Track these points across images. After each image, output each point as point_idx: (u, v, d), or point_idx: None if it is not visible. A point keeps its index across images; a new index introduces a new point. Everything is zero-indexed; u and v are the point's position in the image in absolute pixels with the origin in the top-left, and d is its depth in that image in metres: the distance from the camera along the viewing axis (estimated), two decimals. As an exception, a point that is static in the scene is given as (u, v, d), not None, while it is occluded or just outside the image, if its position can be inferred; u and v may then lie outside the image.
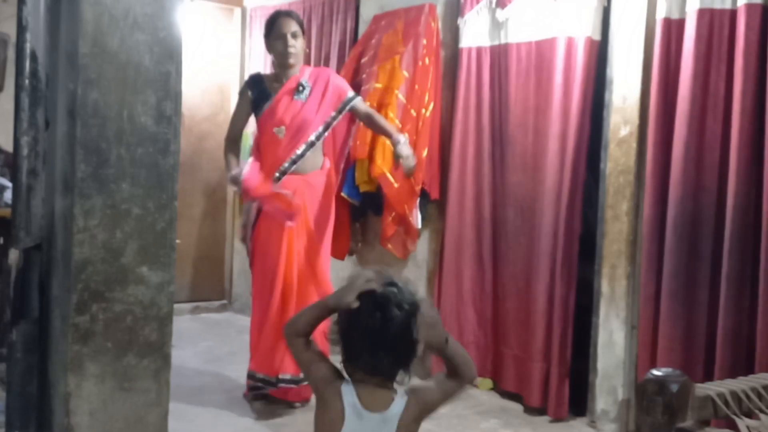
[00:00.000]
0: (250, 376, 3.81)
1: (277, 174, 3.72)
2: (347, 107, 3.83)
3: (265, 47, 3.94)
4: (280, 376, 3.70)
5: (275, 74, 3.88)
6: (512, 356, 4.10)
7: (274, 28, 3.80)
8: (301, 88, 3.76)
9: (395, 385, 1.70)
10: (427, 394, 1.71)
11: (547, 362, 3.85)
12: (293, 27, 3.78)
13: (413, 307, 1.66)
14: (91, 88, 1.98)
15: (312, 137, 3.74)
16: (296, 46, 3.78)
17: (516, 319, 4.07)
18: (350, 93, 3.86)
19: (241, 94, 3.94)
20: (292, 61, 3.78)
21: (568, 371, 3.81)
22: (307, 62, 5.28)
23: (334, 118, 3.81)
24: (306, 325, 1.73)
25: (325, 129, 3.80)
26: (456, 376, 1.71)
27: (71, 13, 2.03)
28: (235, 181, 3.73)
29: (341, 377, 1.69)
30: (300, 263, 3.74)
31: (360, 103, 3.90)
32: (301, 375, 3.59)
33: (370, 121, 3.93)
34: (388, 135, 3.85)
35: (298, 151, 3.73)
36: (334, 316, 1.71)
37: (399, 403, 1.67)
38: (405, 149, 3.71)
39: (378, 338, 1.63)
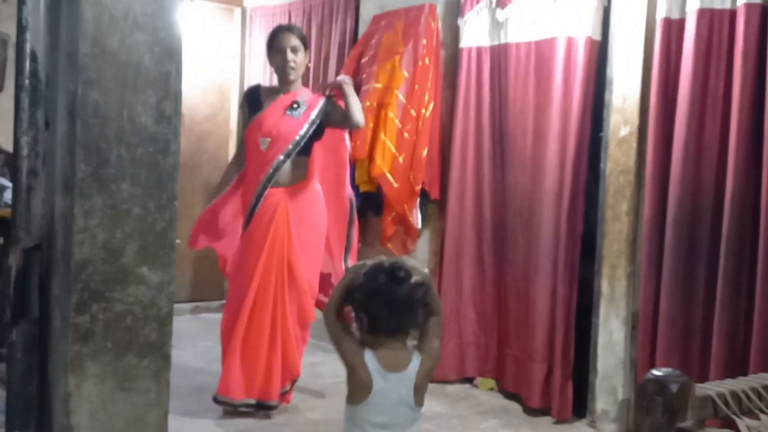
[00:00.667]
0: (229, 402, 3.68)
1: (259, 187, 3.63)
2: (319, 111, 3.70)
3: (268, 61, 3.89)
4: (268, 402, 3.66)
5: (274, 87, 3.85)
6: (513, 356, 4.10)
7: (274, 43, 3.75)
8: (296, 106, 3.68)
9: (408, 344, 2.00)
10: (433, 349, 2.03)
11: (549, 363, 3.85)
12: (293, 41, 3.71)
13: (424, 275, 2.01)
14: (91, 88, 1.98)
15: (289, 146, 3.63)
16: (296, 60, 3.71)
17: (517, 319, 4.07)
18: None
19: (240, 107, 3.94)
20: (292, 76, 3.72)
21: (571, 372, 3.81)
22: (308, 71, 5.30)
23: (312, 123, 3.67)
24: (336, 306, 2.02)
25: (301, 138, 3.64)
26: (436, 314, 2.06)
27: (71, 13, 2.03)
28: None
29: (364, 348, 1.98)
30: (278, 277, 3.64)
31: (329, 105, 3.74)
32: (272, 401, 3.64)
33: (344, 113, 3.71)
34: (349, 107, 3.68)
35: (275, 162, 3.62)
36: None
37: (414, 362, 1.98)
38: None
39: (395, 300, 1.95)
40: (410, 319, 1.99)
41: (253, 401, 3.66)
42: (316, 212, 3.77)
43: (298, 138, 3.65)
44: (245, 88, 5.33)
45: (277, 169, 3.64)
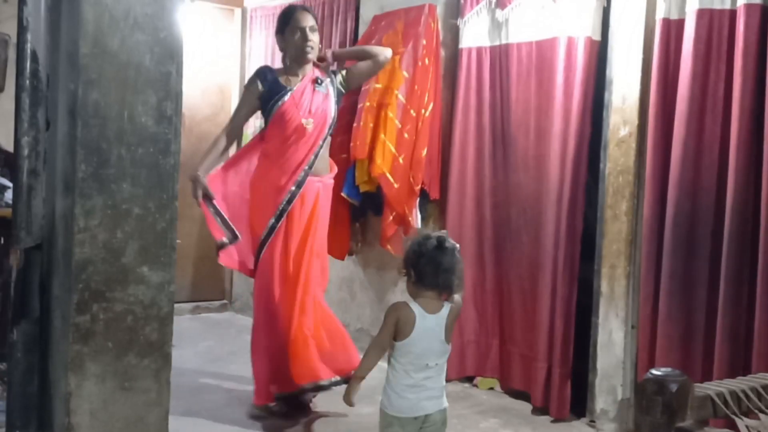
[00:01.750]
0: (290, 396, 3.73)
1: (302, 173, 3.62)
2: (337, 78, 3.78)
3: (278, 43, 3.82)
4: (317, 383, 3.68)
5: (289, 68, 3.76)
6: (513, 356, 4.11)
7: (291, 22, 3.69)
8: (320, 81, 3.70)
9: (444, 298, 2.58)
10: (458, 303, 2.63)
11: (549, 362, 3.86)
12: (311, 21, 3.70)
13: (457, 248, 2.58)
14: (92, 88, 1.99)
15: (326, 129, 3.69)
16: (314, 40, 3.69)
17: (517, 318, 4.07)
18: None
19: (249, 86, 3.76)
20: (310, 55, 3.69)
21: (569, 371, 3.81)
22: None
23: (338, 97, 3.76)
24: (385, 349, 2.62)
25: (334, 116, 3.73)
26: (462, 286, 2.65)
27: (72, 14, 2.03)
28: (196, 180, 3.60)
29: (409, 305, 2.53)
30: (307, 270, 3.68)
31: (341, 74, 3.83)
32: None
33: (363, 63, 3.83)
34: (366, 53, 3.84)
35: (318, 148, 3.67)
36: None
37: (446, 308, 2.58)
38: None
39: (440, 262, 2.52)
40: (448, 280, 2.53)
41: (339, 378, 3.69)
42: (328, 206, 3.84)
43: (332, 115, 3.71)
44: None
45: (317, 155, 3.67)
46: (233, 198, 3.78)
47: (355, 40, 4.88)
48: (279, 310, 3.67)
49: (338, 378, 3.67)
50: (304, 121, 3.63)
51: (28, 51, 2.09)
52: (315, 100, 3.68)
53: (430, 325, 2.53)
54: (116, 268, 2.04)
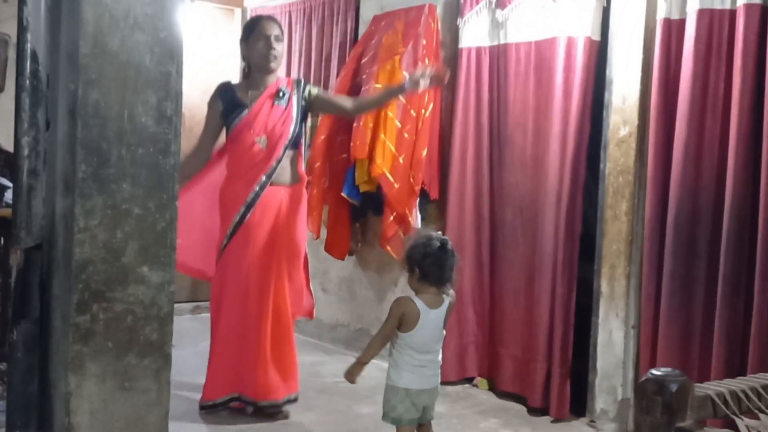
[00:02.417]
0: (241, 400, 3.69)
1: (256, 188, 3.58)
2: (304, 91, 3.72)
3: (241, 52, 3.78)
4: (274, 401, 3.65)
5: (250, 81, 3.72)
6: (512, 356, 4.11)
7: (255, 30, 3.66)
8: (281, 94, 3.65)
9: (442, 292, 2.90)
10: (453, 296, 2.96)
11: (548, 362, 3.86)
12: (276, 30, 3.67)
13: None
14: (92, 88, 1.99)
15: (286, 141, 3.62)
16: (278, 50, 3.66)
17: (516, 319, 4.07)
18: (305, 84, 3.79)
19: (210, 105, 3.74)
20: (273, 65, 3.66)
21: (569, 371, 3.82)
22: (307, 64, 5.30)
23: (302, 110, 3.69)
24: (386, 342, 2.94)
25: (295, 128, 3.65)
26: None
27: (72, 14, 2.03)
28: None
29: (413, 301, 2.85)
30: (277, 277, 3.63)
31: (315, 88, 3.79)
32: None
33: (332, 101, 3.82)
34: (385, 97, 3.79)
35: (276, 162, 3.60)
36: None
37: (445, 303, 2.91)
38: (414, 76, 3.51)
39: (443, 262, 2.84)
40: (448, 276, 2.88)
41: (294, 396, 3.68)
42: (304, 216, 3.78)
43: (292, 130, 3.63)
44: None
45: (278, 163, 3.60)
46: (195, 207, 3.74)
47: (355, 40, 4.89)
48: (223, 317, 3.64)
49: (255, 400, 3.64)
50: (257, 138, 3.60)
51: (28, 51, 2.09)
52: (272, 116, 3.62)
53: (431, 318, 2.87)
54: (116, 268, 2.04)
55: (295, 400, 3.71)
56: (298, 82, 3.78)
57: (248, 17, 5.97)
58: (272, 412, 3.66)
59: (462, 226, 4.27)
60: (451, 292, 2.94)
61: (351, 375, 2.91)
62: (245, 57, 3.77)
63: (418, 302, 2.85)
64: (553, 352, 3.83)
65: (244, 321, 3.62)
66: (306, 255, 3.84)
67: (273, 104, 3.63)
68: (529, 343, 3.96)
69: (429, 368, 2.91)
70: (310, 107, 3.76)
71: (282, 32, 3.75)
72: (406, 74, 3.65)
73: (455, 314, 4.28)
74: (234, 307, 3.63)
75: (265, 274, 3.61)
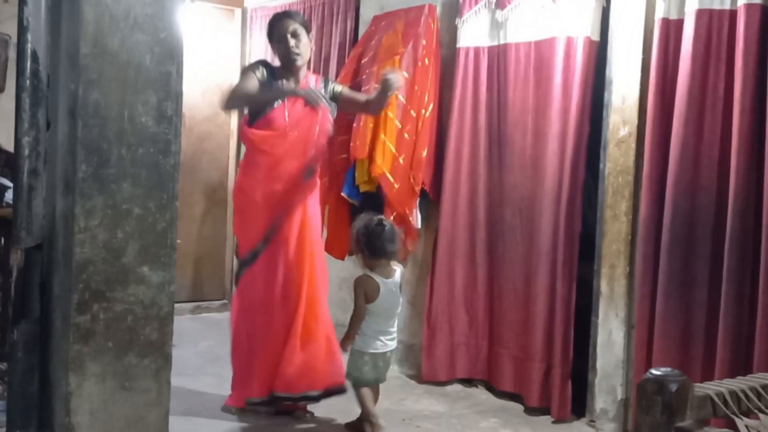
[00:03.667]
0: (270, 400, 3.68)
1: (296, 200, 3.62)
2: (330, 89, 3.76)
3: (272, 50, 3.82)
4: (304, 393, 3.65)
5: (284, 72, 3.69)
6: (509, 357, 4.10)
7: (274, 31, 3.67)
8: (315, 96, 3.62)
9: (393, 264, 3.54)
10: (401, 264, 3.67)
11: (548, 362, 3.85)
12: (293, 26, 3.61)
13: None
14: (92, 88, 1.99)
15: (323, 140, 3.69)
16: (300, 45, 3.61)
17: (516, 319, 4.07)
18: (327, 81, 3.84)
19: (252, 69, 3.67)
20: (298, 62, 3.63)
21: (570, 371, 3.81)
22: (307, 64, 5.29)
23: (332, 108, 3.75)
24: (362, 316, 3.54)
25: (330, 126, 3.74)
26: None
27: (72, 14, 2.03)
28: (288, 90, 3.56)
29: (371, 276, 3.46)
30: (311, 266, 3.66)
31: (339, 86, 3.85)
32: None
33: (358, 102, 3.83)
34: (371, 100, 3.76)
35: (310, 164, 3.65)
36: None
37: (398, 271, 3.57)
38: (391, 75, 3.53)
39: (387, 237, 3.45)
40: (393, 247, 3.48)
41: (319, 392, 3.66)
42: (317, 200, 3.84)
43: (319, 131, 3.63)
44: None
45: (311, 167, 3.65)
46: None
47: (355, 40, 4.89)
48: (267, 332, 3.64)
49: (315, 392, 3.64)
50: (291, 134, 3.59)
51: (29, 51, 2.09)
52: (309, 116, 3.62)
53: (390, 287, 3.47)
54: (116, 268, 2.04)
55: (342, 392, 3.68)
56: (326, 80, 3.81)
57: (248, 17, 5.99)
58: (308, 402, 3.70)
59: (455, 227, 4.26)
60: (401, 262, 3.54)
61: (343, 346, 3.53)
62: (274, 55, 3.79)
63: (376, 276, 3.44)
64: (553, 352, 3.83)
65: (284, 318, 3.62)
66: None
67: (306, 104, 3.60)
68: (529, 343, 3.96)
69: (389, 333, 3.48)
70: (336, 104, 3.79)
71: (302, 25, 3.66)
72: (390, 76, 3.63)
73: (447, 314, 4.30)
74: (271, 307, 3.63)
75: (299, 269, 3.62)
